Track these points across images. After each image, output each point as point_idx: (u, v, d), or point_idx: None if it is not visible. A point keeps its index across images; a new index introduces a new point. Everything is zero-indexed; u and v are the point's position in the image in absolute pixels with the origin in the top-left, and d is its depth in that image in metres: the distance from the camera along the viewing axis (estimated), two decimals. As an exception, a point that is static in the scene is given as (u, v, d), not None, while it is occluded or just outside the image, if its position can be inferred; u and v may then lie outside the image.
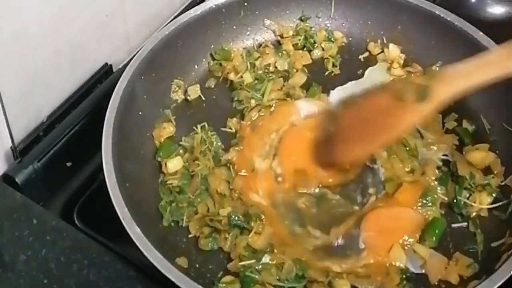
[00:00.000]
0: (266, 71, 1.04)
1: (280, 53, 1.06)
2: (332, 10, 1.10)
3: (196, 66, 1.04)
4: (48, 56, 0.90)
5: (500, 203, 0.89)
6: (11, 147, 0.90)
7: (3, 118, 0.86)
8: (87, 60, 1.00)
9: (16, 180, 0.88)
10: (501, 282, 0.74)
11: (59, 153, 0.93)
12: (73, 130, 0.95)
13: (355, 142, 0.87)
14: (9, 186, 0.88)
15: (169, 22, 1.02)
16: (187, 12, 1.01)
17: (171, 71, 1.00)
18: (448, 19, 1.02)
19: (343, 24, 1.10)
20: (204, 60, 1.05)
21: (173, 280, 0.72)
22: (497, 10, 1.11)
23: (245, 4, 1.06)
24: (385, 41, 1.08)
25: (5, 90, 0.84)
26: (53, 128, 0.94)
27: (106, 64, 1.02)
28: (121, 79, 0.91)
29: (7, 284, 0.78)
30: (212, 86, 1.03)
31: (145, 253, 0.74)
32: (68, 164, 0.95)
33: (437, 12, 1.03)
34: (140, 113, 0.93)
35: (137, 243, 0.75)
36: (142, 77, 0.93)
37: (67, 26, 0.91)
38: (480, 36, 0.99)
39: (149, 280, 0.79)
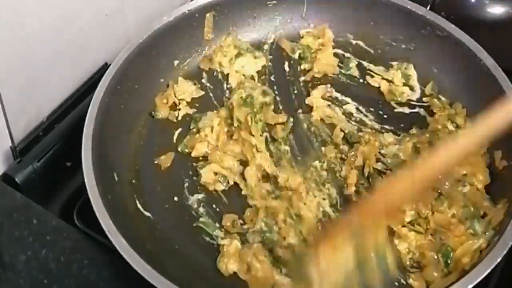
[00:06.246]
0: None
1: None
2: (304, 10, 1.09)
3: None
4: (48, 56, 0.90)
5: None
6: (10, 147, 0.90)
7: (3, 118, 0.86)
8: (87, 60, 1.00)
9: (16, 180, 0.88)
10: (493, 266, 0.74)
11: (59, 153, 0.93)
12: (73, 130, 0.94)
13: None
14: (9, 186, 0.87)
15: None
16: (161, 19, 1.00)
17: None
18: (420, 13, 1.01)
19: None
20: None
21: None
22: (497, 10, 1.11)
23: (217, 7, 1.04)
24: (357, 39, 1.07)
25: (5, 90, 0.84)
26: (53, 128, 0.94)
27: (106, 64, 1.02)
28: (97, 89, 0.90)
29: (7, 284, 0.78)
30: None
31: (134, 266, 0.73)
32: (68, 164, 0.95)
33: (408, 7, 1.02)
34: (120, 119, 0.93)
35: (124, 256, 0.74)
36: (118, 87, 0.92)
37: (67, 26, 0.91)
38: (466, 39, 0.97)
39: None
